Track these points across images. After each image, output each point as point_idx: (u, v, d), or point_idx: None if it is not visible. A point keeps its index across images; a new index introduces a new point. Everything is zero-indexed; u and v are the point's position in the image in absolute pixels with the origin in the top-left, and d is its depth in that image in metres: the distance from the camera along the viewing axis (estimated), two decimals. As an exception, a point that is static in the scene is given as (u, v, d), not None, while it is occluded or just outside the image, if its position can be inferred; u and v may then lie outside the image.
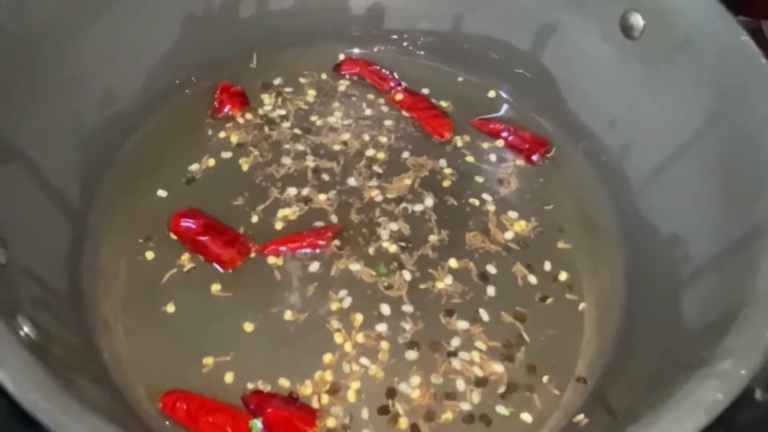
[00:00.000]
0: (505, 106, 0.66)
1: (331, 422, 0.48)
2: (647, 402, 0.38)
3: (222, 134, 0.62)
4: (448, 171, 0.61)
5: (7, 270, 0.43)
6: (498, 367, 0.51)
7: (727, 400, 0.34)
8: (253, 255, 0.55)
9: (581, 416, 0.47)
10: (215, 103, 0.64)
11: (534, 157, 0.62)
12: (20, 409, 0.34)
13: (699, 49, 0.52)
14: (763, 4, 0.70)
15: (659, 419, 0.34)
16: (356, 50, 0.69)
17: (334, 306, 0.53)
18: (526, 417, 0.49)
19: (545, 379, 0.51)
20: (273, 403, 0.48)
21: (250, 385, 0.49)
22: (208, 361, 0.50)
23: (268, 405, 0.48)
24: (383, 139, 0.63)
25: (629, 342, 0.51)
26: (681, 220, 0.52)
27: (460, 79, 0.68)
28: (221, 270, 0.54)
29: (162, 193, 0.59)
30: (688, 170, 0.52)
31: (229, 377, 0.49)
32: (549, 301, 0.54)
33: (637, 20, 0.56)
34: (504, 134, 0.63)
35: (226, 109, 0.64)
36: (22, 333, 0.39)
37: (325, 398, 0.49)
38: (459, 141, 0.63)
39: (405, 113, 0.65)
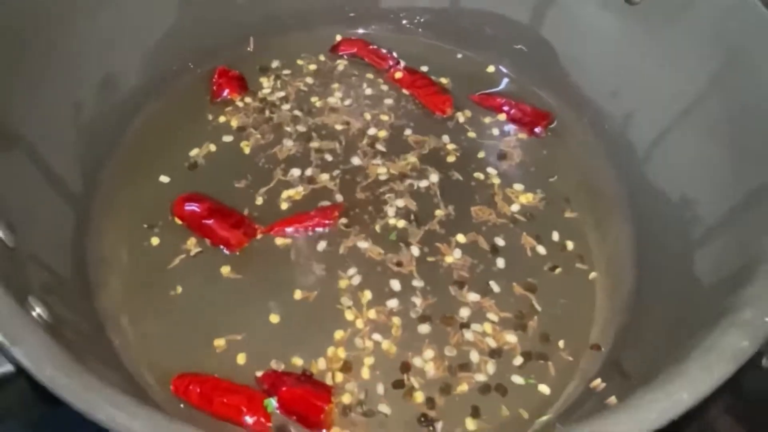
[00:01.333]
0: (505, 81, 0.66)
1: (346, 398, 0.48)
2: (664, 361, 0.38)
3: (222, 118, 0.62)
4: (451, 147, 0.61)
5: (16, 254, 0.43)
6: (511, 338, 0.51)
7: (752, 347, 0.34)
8: (259, 236, 0.55)
9: (598, 381, 0.47)
10: (213, 87, 0.63)
11: (537, 130, 0.62)
12: (43, 389, 0.33)
13: (702, 9, 0.52)
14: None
15: (688, 369, 0.34)
16: (353, 30, 0.68)
17: (343, 284, 0.53)
18: (543, 386, 0.49)
19: (560, 345, 0.50)
20: (287, 381, 0.47)
21: (262, 366, 0.49)
22: (220, 342, 0.50)
23: (283, 384, 0.47)
24: (384, 118, 0.63)
25: (641, 306, 0.51)
26: (689, 181, 0.52)
27: (459, 55, 0.67)
28: (228, 253, 0.54)
29: (164, 178, 0.58)
30: (694, 132, 0.52)
31: (241, 358, 0.49)
32: (558, 270, 0.54)
33: (638, -16, 0.56)
34: (505, 108, 0.63)
35: (224, 93, 0.63)
36: (34, 314, 0.39)
37: (339, 376, 0.49)
38: (461, 117, 0.63)
39: (405, 91, 0.65)
